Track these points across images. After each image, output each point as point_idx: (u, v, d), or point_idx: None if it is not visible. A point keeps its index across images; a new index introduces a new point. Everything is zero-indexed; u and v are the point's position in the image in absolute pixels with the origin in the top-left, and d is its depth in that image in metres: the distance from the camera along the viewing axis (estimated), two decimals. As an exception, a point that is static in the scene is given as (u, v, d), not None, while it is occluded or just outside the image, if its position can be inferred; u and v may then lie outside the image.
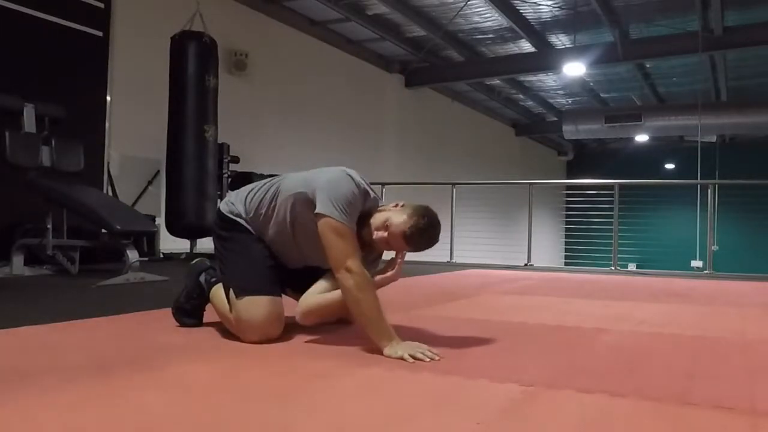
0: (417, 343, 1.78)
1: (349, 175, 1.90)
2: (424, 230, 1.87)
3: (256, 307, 1.90)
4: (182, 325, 2.18)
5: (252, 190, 2.08)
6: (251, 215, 2.03)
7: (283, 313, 1.97)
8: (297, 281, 2.17)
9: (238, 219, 2.05)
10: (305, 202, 1.91)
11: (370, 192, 1.97)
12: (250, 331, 1.90)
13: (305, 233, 1.95)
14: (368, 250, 1.97)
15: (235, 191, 2.16)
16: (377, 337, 1.79)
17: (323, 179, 1.90)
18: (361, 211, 1.91)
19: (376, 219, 1.92)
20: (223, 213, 2.09)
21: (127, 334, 2.08)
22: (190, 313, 2.19)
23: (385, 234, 1.88)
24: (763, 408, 1.36)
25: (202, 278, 2.17)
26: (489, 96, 12.80)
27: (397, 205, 1.94)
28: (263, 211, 2.00)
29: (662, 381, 1.58)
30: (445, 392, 1.42)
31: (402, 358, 1.69)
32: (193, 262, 2.27)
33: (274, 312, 1.92)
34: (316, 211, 1.84)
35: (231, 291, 1.96)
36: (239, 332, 1.93)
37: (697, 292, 4.17)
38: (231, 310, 1.95)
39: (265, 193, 2.02)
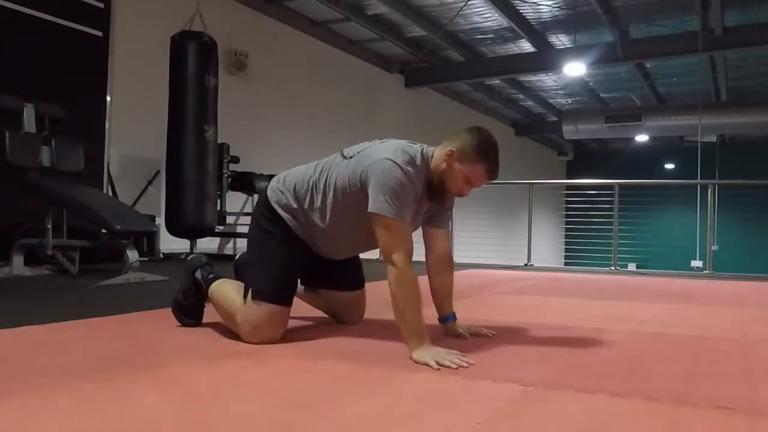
0: (446, 349, 1.72)
1: (395, 162, 1.81)
2: (489, 138, 1.90)
3: (268, 314, 1.90)
4: (183, 324, 2.18)
5: (299, 180, 2.00)
6: (303, 209, 1.98)
7: (288, 321, 1.99)
8: (315, 278, 2.20)
9: (285, 214, 1.99)
10: (360, 196, 1.85)
11: (424, 155, 1.92)
12: (253, 333, 1.90)
13: (359, 222, 1.89)
14: (440, 201, 2.00)
15: (282, 176, 2.08)
16: (406, 337, 1.76)
17: (372, 174, 1.82)
18: (418, 185, 1.88)
19: (436, 161, 1.91)
20: (270, 203, 2.02)
21: (127, 334, 2.08)
22: (189, 311, 2.18)
23: (456, 165, 1.88)
24: (762, 408, 1.36)
25: (198, 275, 2.16)
26: (489, 96, 12.79)
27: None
28: (317, 205, 1.96)
29: (662, 381, 1.58)
30: (445, 392, 1.42)
31: (427, 365, 1.64)
32: (189, 258, 2.27)
33: (282, 321, 1.95)
34: (369, 210, 1.80)
35: (247, 284, 1.96)
36: (242, 331, 1.93)
37: (697, 292, 4.17)
38: (244, 302, 1.94)
39: (315, 187, 1.96)
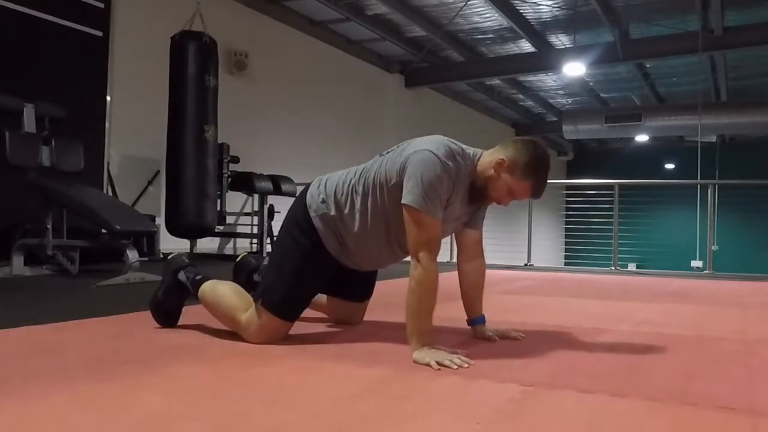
0: (447, 349, 1.71)
1: (436, 154, 1.76)
2: (543, 156, 1.84)
3: (276, 326, 1.91)
4: (161, 325, 2.15)
5: (339, 184, 1.95)
6: (342, 215, 1.92)
7: (291, 327, 1.99)
8: (328, 286, 2.15)
9: (319, 225, 1.93)
10: (396, 192, 1.81)
11: (467, 156, 1.86)
12: (256, 335, 1.90)
13: (393, 224, 1.85)
14: (479, 204, 1.96)
15: (323, 180, 2.01)
16: (410, 334, 1.75)
17: (410, 165, 1.77)
18: (455, 183, 1.82)
19: (484, 165, 1.86)
20: (309, 211, 1.95)
21: (127, 334, 2.08)
22: (168, 313, 2.15)
23: (504, 174, 1.82)
24: (763, 408, 1.36)
25: (182, 276, 2.12)
26: (489, 96, 12.79)
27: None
28: (357, 208, 1.90)
29: (662, 381, 1.58)
30: (445, 392, 1.42)
31: (428, 365, 1.63)
32: (170, 257, 2.23)
33: (284, 332, 1.95)
34: (402, 201, 1.76)
35: (262, 290, 1.94)
36: (245, 330, 1.93)
37: (697, 292, 4.17)
38: (255, 304, 1.92)
39: (354, 190, 1.91)
